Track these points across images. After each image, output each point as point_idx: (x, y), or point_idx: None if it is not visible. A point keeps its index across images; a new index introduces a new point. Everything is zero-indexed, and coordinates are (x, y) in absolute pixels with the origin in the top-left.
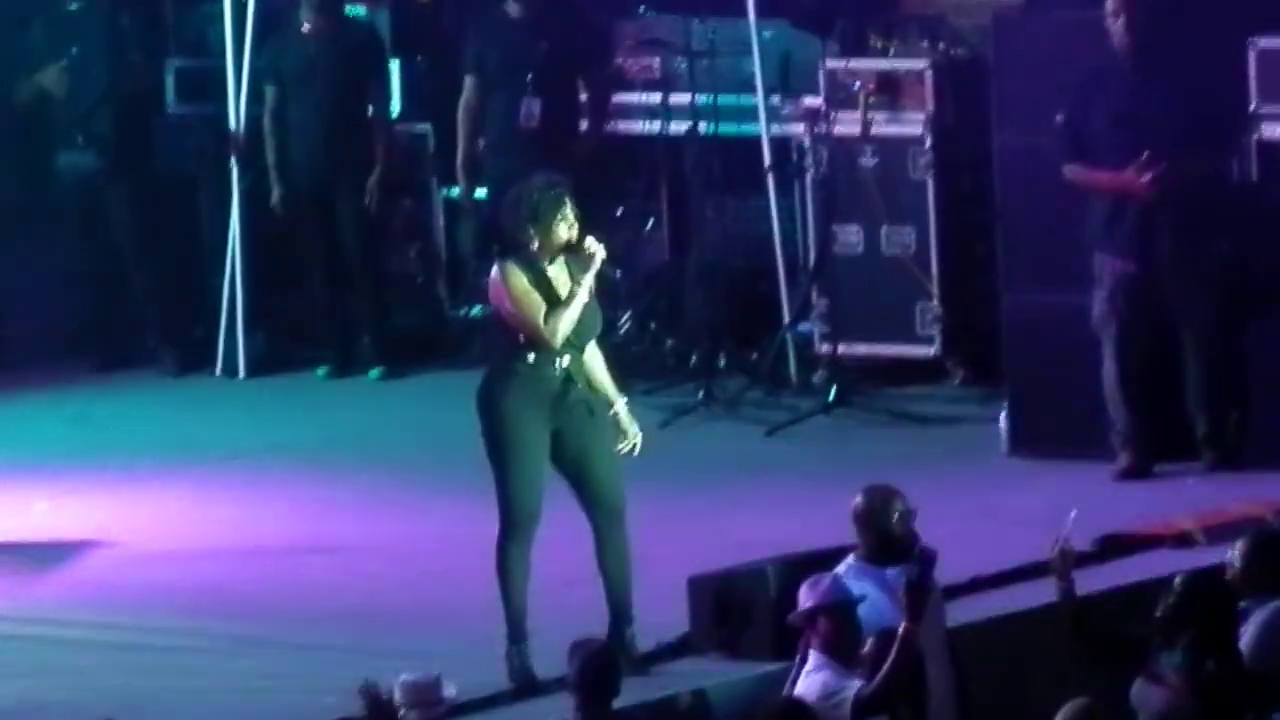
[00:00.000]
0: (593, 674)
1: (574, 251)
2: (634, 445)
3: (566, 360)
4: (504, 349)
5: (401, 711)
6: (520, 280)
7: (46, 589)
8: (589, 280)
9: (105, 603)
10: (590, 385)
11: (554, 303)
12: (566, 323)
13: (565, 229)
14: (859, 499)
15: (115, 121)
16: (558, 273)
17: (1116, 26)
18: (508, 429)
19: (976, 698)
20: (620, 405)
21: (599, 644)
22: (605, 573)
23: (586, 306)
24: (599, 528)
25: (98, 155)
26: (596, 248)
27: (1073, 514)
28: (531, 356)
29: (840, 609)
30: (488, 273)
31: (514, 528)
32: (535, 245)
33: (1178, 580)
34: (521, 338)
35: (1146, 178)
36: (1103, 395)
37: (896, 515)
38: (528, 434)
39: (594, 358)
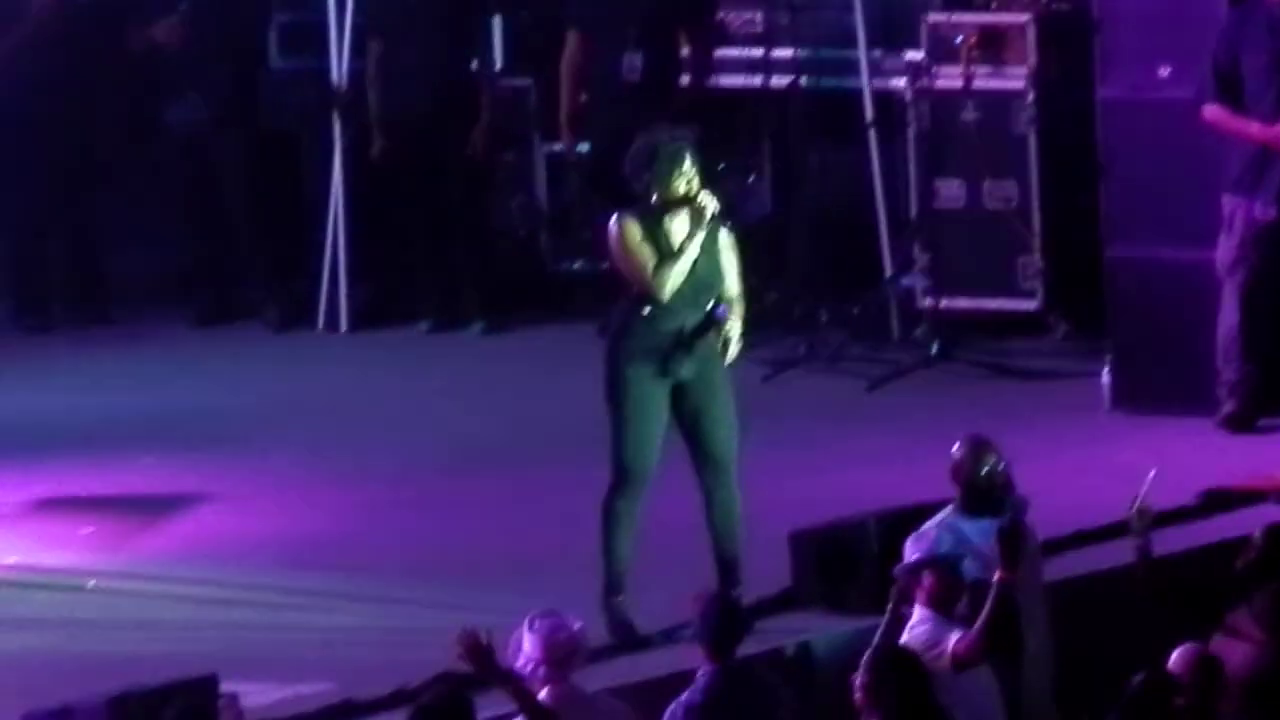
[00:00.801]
0: (719, 622)
1: (694, 206)
2: (730, 341)
3: (686, 316)
4: (626, 304)
5: (530, 666)
6: (633, 232)
7: (149, 542)
8: (700, 234)
9: (207, 556)
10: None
11: (669, 256)
12: (675, 276)
13: (682, 183)
14: (955, 450)
15: (224, 75)
16: (678, 227)
17: None
18: (624, 383)
19: (1073, 652)
20: (735, 306)
21: (722, 592)
22: (714, 533)
23: (701, 262)
24: (708, 487)
25: (206, 108)
26: (708, 201)
27: (1151, 473)
28: (648, 310)
29: (944, 563)
30: (590, 227)
31: (624, 482)
32: (653, 197)
33: (1257, 534)
34: (636, 291)
35: None
36: (1206, 349)
37: (986, 468)
38: (644, 389)
39: (727, 247)
